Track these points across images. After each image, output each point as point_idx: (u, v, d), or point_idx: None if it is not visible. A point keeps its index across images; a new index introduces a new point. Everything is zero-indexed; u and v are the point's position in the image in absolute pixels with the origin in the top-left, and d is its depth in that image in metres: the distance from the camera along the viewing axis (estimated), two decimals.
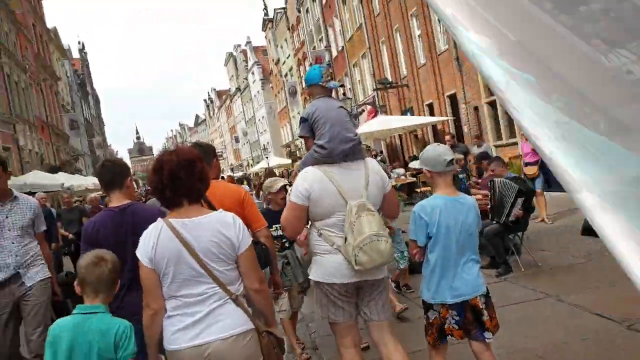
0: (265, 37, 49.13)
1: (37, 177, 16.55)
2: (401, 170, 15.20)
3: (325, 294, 2.76)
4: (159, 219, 2.22)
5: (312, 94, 3.00)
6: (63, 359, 2.08)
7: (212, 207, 2.60)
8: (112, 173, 3.03)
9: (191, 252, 2.11)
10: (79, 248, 8.00)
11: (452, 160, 2.76)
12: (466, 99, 16.54)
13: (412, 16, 19.49)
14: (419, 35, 19.36)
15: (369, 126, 18.62)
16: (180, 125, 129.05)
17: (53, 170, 23.28)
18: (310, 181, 2.72)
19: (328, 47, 30.34)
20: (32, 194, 7.68)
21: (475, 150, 11.13)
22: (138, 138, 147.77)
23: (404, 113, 20.83)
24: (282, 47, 43.28)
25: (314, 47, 32.47)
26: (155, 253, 2.12)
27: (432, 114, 19.10)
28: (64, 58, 42.09)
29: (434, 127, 19.23)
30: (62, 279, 5.02)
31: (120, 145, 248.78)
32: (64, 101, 37.38)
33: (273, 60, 46.99)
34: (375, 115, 22.50)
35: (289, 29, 39.84)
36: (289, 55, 41.08)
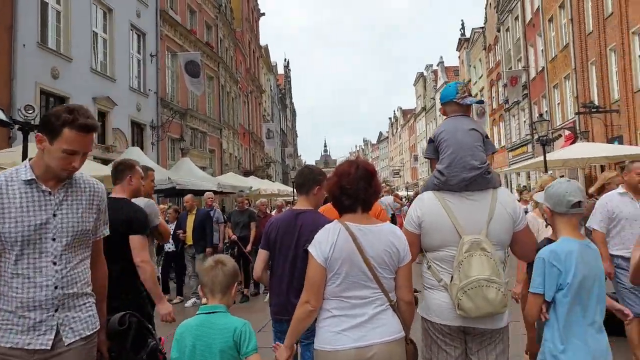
0: (459, 57, 48.34)
1: (229, 179, 18.02)
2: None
3: (428, 332, 2.50)
4: (336, 221, 2.30)
5: (446, 112, 2.70)
6: (187, 356, 2.20)
7: None
8: (304, 178, 3.23)
9: (364, 257, 2.17)
10: (241, 251, 8.61)
11: (578, 202, 2.35)
12: None
13: (634, 34, 17.27)
14: (639, 55, 17.06)
15: (565, 152, 17.06)
16: (364, 141, 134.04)
17: (247, 174, 25.73)
18: (423, 209, 2.48)
19: (526, 68, 28.52)
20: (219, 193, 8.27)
21: None
22: (325, 151, 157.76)
23: (610, 141, 18.47)
24: (475, 67, 42.12)
25: (510, 67, 30.82)
26: (332, 252, 2.18)
27: None
28: (270, 73, 46.89)
29: None
30: (115, 327, 2.42)
31: (308, 157, 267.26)
32: (265, 112, 41.62)
33: (464, 80, 45.89)
34: (573, 142, 20.41)
35: (484, 48, 38.58)
36: (482, 76, 39.78)
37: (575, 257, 2.27)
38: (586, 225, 4.55)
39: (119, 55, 15.79)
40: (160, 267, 9.02)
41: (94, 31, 14.72)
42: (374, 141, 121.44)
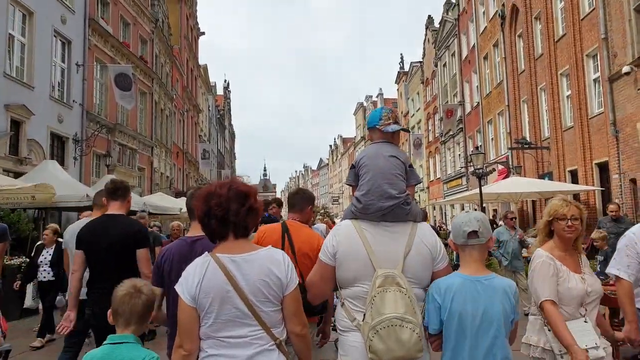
0: (398, 89, 49.56)
1: (157, 199, 17.19)
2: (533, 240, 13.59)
3: None
4: (206, 253, 2.07)
5: (372, 138, 2.55)
6: None
7: (293, 250, 3.03)
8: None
9: (238, 292, 1.96)
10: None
11: (473, 232, 2.26)
12: (621, 169, 14.55)
13: (562, 75, 18.06)
14: (568, 96, 17.81)
15: (498, 187, 17.47)
16: (305, 167, 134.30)
17: (179, 195, 24.67)
18: (338, 238, 2.31)
19: (462, 102, 29.41)
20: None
21: None
22: (265, 175, 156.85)
23: (541, 177, 19.07)
24: (413, 100, 43.22)
25: (447, 101, 31.71)
26: (199, 290, 1.96)
27: (574, 181, 17.22)
28: (209, 93, 45.89)
29: (575, 196, 17.31)
30: None
31: (247, 180, 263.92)
32: (202, 132, 40.44)
33: (402, 112, 47.01)
34: (506, 176, 20.98)
35: (422, 82, 39.69)
36: (419, 109, 40.81)
37: (453, 292, 2.20)
38: (606, 271, 3.57)
39: (39, 62, 14.48)
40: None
41: (10, 34, 13.45)
42: (315, 167, 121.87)
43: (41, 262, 7.17)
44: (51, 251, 7.21)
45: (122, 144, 20.11)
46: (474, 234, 2.25)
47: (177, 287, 2.01)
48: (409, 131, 24.40)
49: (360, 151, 2.66)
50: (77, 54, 16.84)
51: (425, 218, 3.16)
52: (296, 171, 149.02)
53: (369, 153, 2.41)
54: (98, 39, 18.31)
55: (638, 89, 13.42)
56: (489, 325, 2.17)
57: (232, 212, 2.02)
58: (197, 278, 1.97)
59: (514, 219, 8.81)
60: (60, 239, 6.97)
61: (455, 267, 8.40)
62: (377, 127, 2.47)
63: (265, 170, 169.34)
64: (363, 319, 2.13)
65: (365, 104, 64.31)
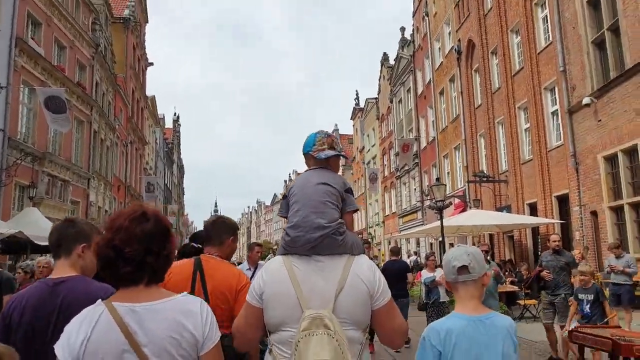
0: (353, 125, 49.48)
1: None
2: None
3: None
4: (99, 301, 1.64)
5: (308, 165, 2.34)
6: None
7: (205, 292, 2.71)
8: (60, 234, 2.34)
9: (138, 352, 1.55)
10: None
11: (463, 267, 2.11)
12: (581, 201, 14.10)
13: (520, 109, 17.85)
14: (526, 129, 17.55)
15: (457, 220, 16.87)
16: (258, 202, 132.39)
17: None
18: (266, 276, 2.07)
19: (417, 137, 29.16)
20: None
21: (613, 262, 8.93)
22: (215, 210, 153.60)
23: (499, 210, 18.61)
24: (368, 135, 43.06)
25: (402, 136, 31.47)
26: (84, 350, 1.54)
27: (533, 214, 16.78)
28: (156, 126, 44.13)
29: (534, 229, 16.84)
30: None
31: (197, 216, 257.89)
32: (147, 165, 38.44)
33: (357, 148, 46.79)
34: (463, 210, 20.45)
35: (378, 118, 39.62)
36: (374, 144, 40.61)
37: (455, 336, 2.04)
38: None
39: None
40: None
41: None
42: (268, 203, 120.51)
43: None
44: None
45: (52, 174, 18.25)
46: (464, 269, 2.12)
47: (57, 347, 1.61)
48: (346, 157, 23.92)
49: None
50: (1, 75, 15.19)
51: (364, 250, 2.35)
52: (249, 207, 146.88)
53: (299, 182, 2.24)
54: (27, 61, 16.72)
55: (599, 120, 13.09)
56: None
57: (153, 253, 1.66)
58: (82, 334, 1.58)
59: (486, 252, 7.88)
60: None
61: (425, 305, 7.13)
62: (310, 153, 2.27)
63: (216, 206, 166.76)
64: None
65: None
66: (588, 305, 6.11)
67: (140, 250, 1.62)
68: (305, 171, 2.31)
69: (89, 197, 22.50)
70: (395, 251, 9.85)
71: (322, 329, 1.86)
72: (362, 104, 45.95)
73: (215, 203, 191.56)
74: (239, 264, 7.29)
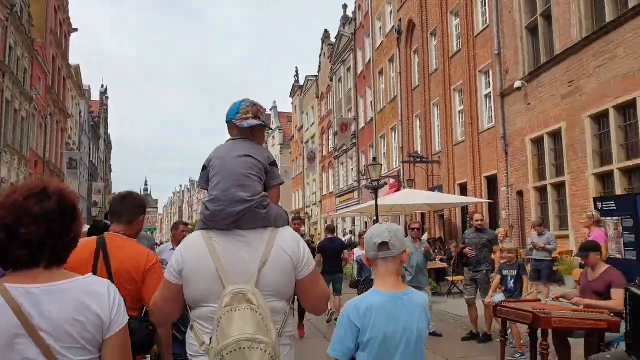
0: (292, 103, 49.09)
1: None
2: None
3: None
4: None
5: (231, 134, 2.27)
6: None
7: (109, 271, 2.56)
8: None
9: (33, 335, 1.40)
10: None
11: (384, 243, 2.15)
12: (509, 181, 14.76)
13: (455, 91, 18.33)
14: (460, 111, 18.07)
15: (391, 199, 17.27)
16: (190, 181, 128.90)
17: None
18: (185, 252, 2.03)
19: (356, 118, 29.35)
20: None
21: (536, 239, 9.37)
22: (146, 189, 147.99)
23: (431, 190, 19.18)
24: (307, 114, 42.87)
25: (341, 116, 31.57)
26: None
27: (463, 194, 17.43)
28: (81, 98, 41.45)
29: (463, 208, 17.51)
30: None
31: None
32: (70, 140, 36.01)
33: (296, 126, 46.53)
34: (397, 190, 20.90)
35: (317, 97, 39.49)
36: (314, 123, 40.51)
37: (375, 313, 2.10)
38: None
39: None
40: None
41: None
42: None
43: None
44: None
45: None
46: (384, 245, 2.16)
47: None
48: (270, 128, 24.12)
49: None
50: None
51: (288, 221, 2.32)
52: (181, 186, 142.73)
53: (219, 153, 2.15)
54: None
55: (528, 104, 13.67)
56: (411, 344, 2.12)
57: (55, 235, 1.46)
58: None
59: (418, 230, 7.97)
60: None
61: (356, 283, 7.07)
62: (233, 121, 2.18)
63: (146, 184, 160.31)
64: (210, 343, 1.90)
65: None
66: (512, 281, 6.36)
67: (39, 232, 1.45)
68: (227, 141, 2.22)
69: (1, 173, 20.88)
70: (331, 229, 9.94)
71: (244, 303, 1.85)
72: (302, 82, 45.62)
73: (146, 181, 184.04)
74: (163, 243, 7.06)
